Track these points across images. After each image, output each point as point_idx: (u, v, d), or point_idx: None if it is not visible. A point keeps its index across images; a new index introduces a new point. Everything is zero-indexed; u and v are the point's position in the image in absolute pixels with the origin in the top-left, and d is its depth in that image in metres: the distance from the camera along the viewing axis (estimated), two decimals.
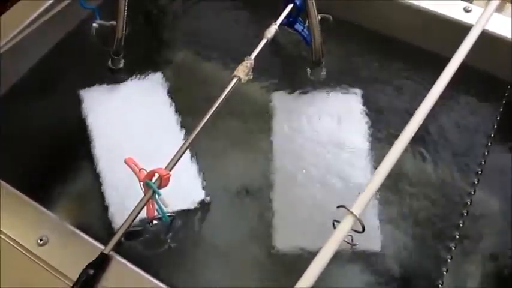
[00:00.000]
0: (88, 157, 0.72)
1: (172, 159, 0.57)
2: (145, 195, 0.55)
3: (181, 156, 0.58)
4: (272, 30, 0.69)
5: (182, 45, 0.88)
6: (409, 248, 0.65)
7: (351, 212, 0.53)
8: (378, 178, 0.55)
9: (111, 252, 0.52)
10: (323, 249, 0.52)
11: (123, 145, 0.73)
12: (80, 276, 0.49)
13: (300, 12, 0.74)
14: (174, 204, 0.66)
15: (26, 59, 0.77)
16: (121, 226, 0.53)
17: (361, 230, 0.53)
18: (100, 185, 0.69)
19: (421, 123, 0.60)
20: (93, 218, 0.68)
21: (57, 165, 0.73)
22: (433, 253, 0.65)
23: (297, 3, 0.72)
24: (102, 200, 0.68)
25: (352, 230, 0.54)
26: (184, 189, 0.69)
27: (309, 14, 0.73)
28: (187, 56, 0.87)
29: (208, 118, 0.61)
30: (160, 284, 0.52)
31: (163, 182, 0.55)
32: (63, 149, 0.75)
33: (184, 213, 0.67)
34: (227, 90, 0.62)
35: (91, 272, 0.50)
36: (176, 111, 0.78)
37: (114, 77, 0.81)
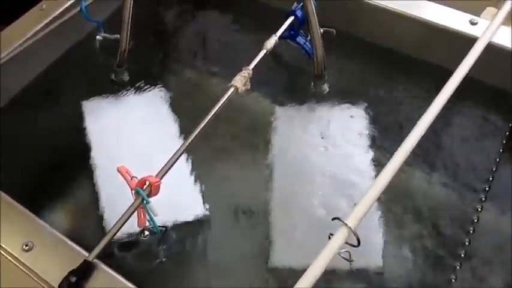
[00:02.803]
0: (87, 168, 0.71)
1: (164, 167, 0.56)
2: (133, 202, 0.54)
3: (173, 164, 0.57)
4: (272, 41, 0.68)
5: (185, 58, 0.88)
6: (412, 265, 0.62)
7: (345, 224, 0.51)
8: (374, 190, 0.53)
9: (95, 260, 0.51)
10: (315, 261, 0.49)
11: (123, 156, 0.72)
12: (61, 283, 0.48)
13: (301, 25, 0.74)
14: (171, 216, 0.66)
15: (30, 69, 0.78)
16: (107, 234, 0.52)
17: (356, 243, 0.51)
18: (98, 196, 0.68)
19: (422, 134, 0.58)
20: (89, 228, 0.67)
21: (56, 175, 0.72)
22: (438, 270, 0.62)
23: (298, 15, 0.72)
24: (98, 210, 0.67)
25: (347, 243, 0.51)
26: (183, 202, 0.68)
27: (311, 27, 0.72)
28: (189, 68, 0.87)
29: (203, 127, 0.60)
30: None
31: (153, 189, 0.54)
32: (62, 160, 0.74)
33: (182, 226, 0.66)
34: (223, 99, 0.62)
35: (73, 279, 0.48)
36: (177, 123, 0.77)
37: (117, 89, 0.81)
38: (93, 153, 0.73)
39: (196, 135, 0.59)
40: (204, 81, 0.85)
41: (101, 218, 0.66)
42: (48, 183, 0.71)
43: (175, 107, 0.79)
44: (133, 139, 0.75)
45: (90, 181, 0.70)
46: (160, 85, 0.82)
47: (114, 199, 0.68)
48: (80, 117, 0.77)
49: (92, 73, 0.83)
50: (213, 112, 0.60)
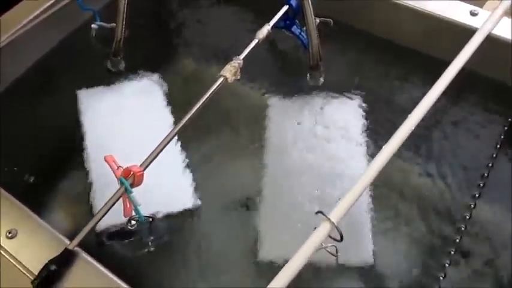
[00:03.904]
0: (81, 157, 0.71)
1: (148, 157, 0.56)
2: (116, 192, 0.53)
3: (157, 154, 0.56)
4: (264, 31, 0.67)
5: (182, 47, 0.88)
6: (403, 261, 0.61)
7: (328, 219, 0.50)
8: (359, 185, 0.52)
9: (76, 249, 0.51)
10: (295, 255, 0.49)
11: (118, 146, 0.72)
12: (40, 271, 0.48)
13: (296, 15, 0.73)
14: (161, 206, 0.65)
15: (25, 58, 0.78)
16: (89, 223, 0.52)
17: (339, 238, 0.50)
18: (90, 185, 0.68)
19: (412, 128, 0.57)
20: (79, 217, 0.67)
21: (49, 164, 0.73)
22: (430, 267, 0.61)
23: (293, 4, 0.70)
24: (90, 199, 0.66)
25: (331, 237, 0.51)
26: (173, 192, 0.68)
27: (306, 16, 0.71)
28: (186, 57, 0.86)
29: (190, 117, 0.59)
30: (124, 285, 0.50)
31: (136, 179, 0.54)
32: (56, 149, 0.74)
33: (171, 216, 0.65)
34: (212, 89, 0.61)
35: (52, 267, 0.48)
36: (173, 113, 0.77)
37: (112, 78, 0.80)
38: (87, 143, 0.72)
39: (182, 126, 0.59)
40: (201, 71, 0.84)
41: (91, 207, 0.66)
42: (40, 171, 0.71)
43: (172, 96, 0.78)
44: (129, 128, 0.75)
45: (83, 170, 0.70)
46: (157, 74, 0.81)
47: (106, 188, 0.67)
48: (75, 106, 0.76)
49: (87, 62, 0.82)
50: (200, 103, 0.60)
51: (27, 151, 0.72)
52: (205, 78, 0.83)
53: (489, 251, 0.61)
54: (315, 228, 0.51)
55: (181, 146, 0.72)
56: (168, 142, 0.57)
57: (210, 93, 0.61)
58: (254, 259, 0.62)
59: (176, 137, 0.73)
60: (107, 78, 0.80)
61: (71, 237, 0.53)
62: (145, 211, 0.63)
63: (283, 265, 0.59)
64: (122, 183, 0.54)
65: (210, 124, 0.75)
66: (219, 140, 0.74)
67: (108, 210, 0.53)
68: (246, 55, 0.64)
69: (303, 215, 0.65)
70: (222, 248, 0.64)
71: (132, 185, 0.54)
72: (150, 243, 0.63)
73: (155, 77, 0.81)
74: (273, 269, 0.60)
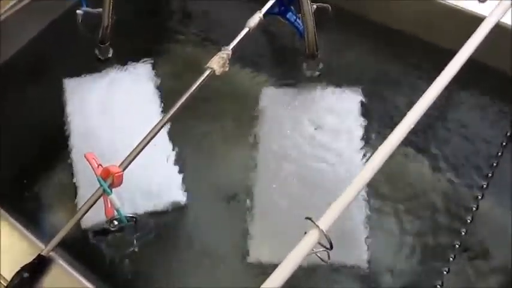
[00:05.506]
0: (66, 150, 0.68)
1: (128, 156, 0.53)
2: (94, 193, 0.51)
3: (138, 153, 0.53)
4: (255, 19, 0.63)
5: (172, 33, 0.84)
6: (400, 265, 0.59)
7: (317, 226, 0.47)
8: (352, 190, 0.49)
9: (51, 254, 0.48)
10: (281, 265, 0.46)
11: (102, 137, 0.69)
12: (12, 279, 0.46)
13: (292, 1, 0.68)
14: (148, 204, 0.63)
15: (9, 45, 0.75)
16: (64, 227, 0.49)
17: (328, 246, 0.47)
18: (75, 181, 0.65)
19: (412, 125, 0.53)
20: (62, 213, 0.65)
21: (32, 157, 0.70)
22: (429, 271, 0.58)
23: None
24: (73, 195, 0.64)
25: (320, 244, 0.48)
26: (159, 190, 0.65)
27: (301, 2, 0.66)
28: (177, 44, 0.82)
29: (174, 112, 0.56)
30: None
31: (115, 180, 0.51)
32: (41, 141, 0.72)
33: (156, 215, 0.63)
34: (198, 82, 0.57)
35: (25, 274, 0.46)
36: (163, 103, 0.74)
37: (100, 66, 0.77)
38: (73, 135, 0.70)
39: (165, 122, 0.55)
40: (193, 58, 0.80)
41: (75, 205, 0.63)
42: (21, 166, 0.69)
43: (162, 85, 0.75)
44: (117, 119, 0.72)
45: (67, 165, 0.67)
46: (147, 62, 0.78)
47: (92, 185, 0.65)
48: (60, 96, 0.73)
49: (73, 50, 0.80)
50: (185, 97, 0.56)
51: (7, 145, 0.69)
52: (197, 65, 0.79)
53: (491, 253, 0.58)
54: (305, 232, 0.48)
55: (169, 138, 0.69)
56: (150, 141, 0.54)
57: (196, 87, 0.57)
58: (242, 261, 0.60)
59: (165, 129, 0.70)
60: (95, 66, 0.77)
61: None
62: (129, 207, 0.61)
63: (272, 268, 0.57)
64: (100, 184, 0.51)
65: (200, 115, 0.72)
66: (210, 132, 0.71)
67: (85, 213, 0.50)
68: (236, 45, 0.60)
69: (295, 214, 0.62)
70: (208, 249, 0.61)
71: (112, 186, 0.51)
72: (134, 241, 0.61)
73: (145, 64, 0.78)
74: (262, 272, 0.58)
